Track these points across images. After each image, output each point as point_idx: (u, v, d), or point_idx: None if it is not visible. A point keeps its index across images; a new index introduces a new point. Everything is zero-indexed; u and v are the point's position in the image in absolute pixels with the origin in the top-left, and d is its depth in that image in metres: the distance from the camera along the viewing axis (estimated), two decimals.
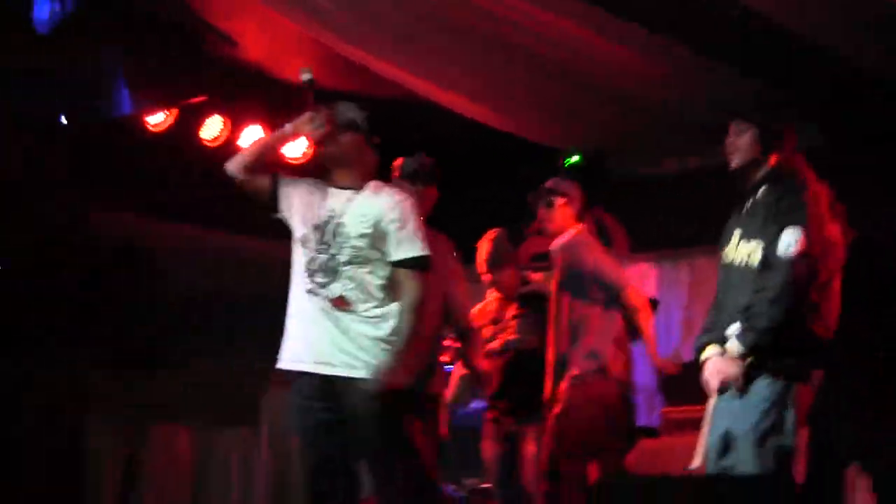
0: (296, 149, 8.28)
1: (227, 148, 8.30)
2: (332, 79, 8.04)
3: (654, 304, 8.79)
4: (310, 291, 4.99)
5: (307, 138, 5.10)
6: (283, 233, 5.28)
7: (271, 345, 10.29)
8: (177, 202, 8.26)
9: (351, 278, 4.93)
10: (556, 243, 6.64)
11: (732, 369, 4.75)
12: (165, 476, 9.89)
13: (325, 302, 4.95)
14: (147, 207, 8.18)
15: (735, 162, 5.00)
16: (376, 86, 7.76)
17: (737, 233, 4.92)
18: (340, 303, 4.92)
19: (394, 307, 4.99)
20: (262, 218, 8.16)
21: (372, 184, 5.12)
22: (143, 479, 9.77)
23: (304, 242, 5.05)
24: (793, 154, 4.98)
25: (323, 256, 4.98)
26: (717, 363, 4.81)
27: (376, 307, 4.96)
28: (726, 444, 4.83)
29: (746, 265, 4.80)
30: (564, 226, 6.66)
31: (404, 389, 4.94)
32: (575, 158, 9.28)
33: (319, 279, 4.97)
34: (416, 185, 5.99)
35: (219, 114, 8.28)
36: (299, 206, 5.10)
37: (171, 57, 7.50)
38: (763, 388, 4.72)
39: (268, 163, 5.22)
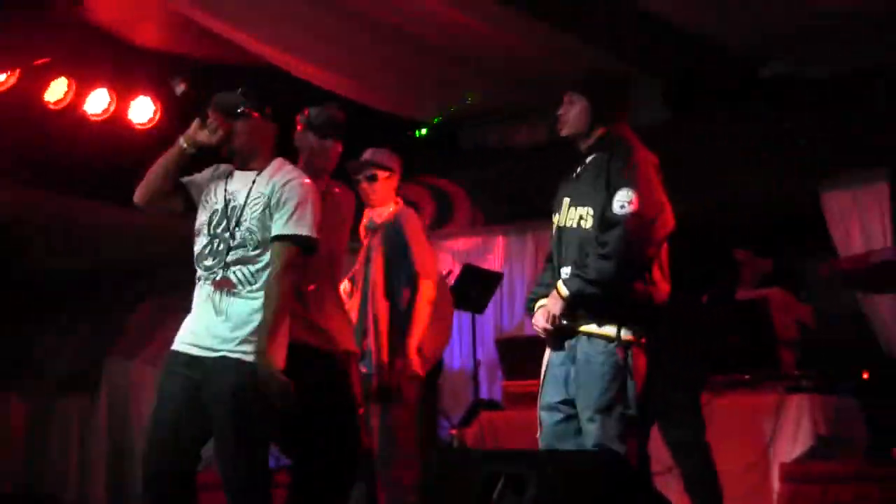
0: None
1: (73, 111, 8.15)
2: (186, 45, 7.97)
3: (498, 277, 8.92)
4: (198, 279, 4.88)
5: (209, 147, 4.92)
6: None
7: (119, 316, 10.22)
8: (21, 165, 8.04)
9: (238, 261, 4.81)
10: (381, 216, 6.55)
11: (555, 308, 4.82)
12: None
13: (210, 286, 4.83)
14: None
15: (565, 131, 5.04)
16: (231, 52, 7.68)
17: (566, 199, 4.97)
18: (224, 283, 4.80)
19: None
20: (111, 184, 8.10)
21: (275, 162, 4.96)
22: None
23: (199, 232, 4.91)
24: (622, 125, 5.03)
25: (215, 241, 4.86)
26: (545, 304, 4.88)
27: (261, 289, 4.83)
28: (566, 414, 4.85)
29: (579, 226, 4.86)
30: (387, 199, 6.58)
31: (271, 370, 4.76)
32: (423, 130, 9.32)
33: (208, 263, 4.85)
34: (323, 138, 5.80)
35: (64, 76, 8.07)
36: (202, 198, 4.97)
37: (14, 17, 7.29)
38: (602, 358, 4.76)
39: (173, 183, 4.95)
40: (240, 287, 4.80)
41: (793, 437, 6.46)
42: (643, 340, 4.81)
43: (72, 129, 8.13)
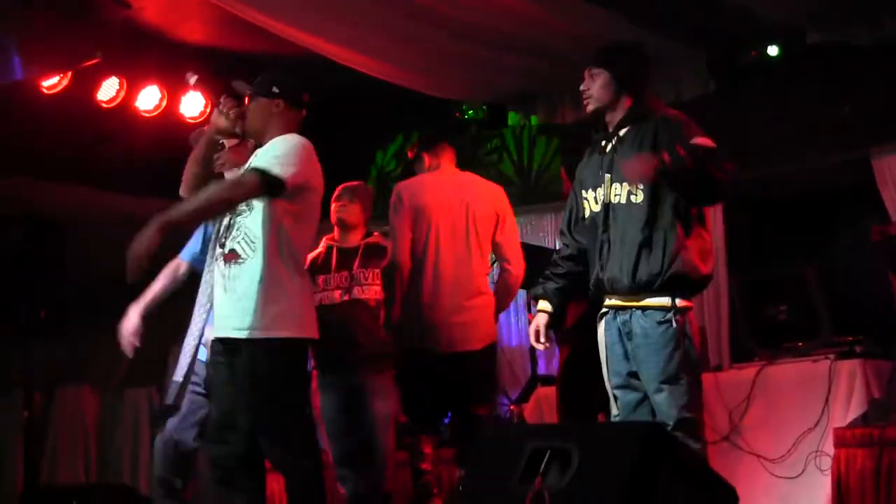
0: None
1: (124, 109, 8.27)
2: (232, 40, 8.05)
3: (550, 252, 8.91)
4: (215, 258, 4.99)
5: (230, 131, 5.07)
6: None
7: (179, 307, 10.33)
8: (76, 165, 8.17)
9: (240, 229, 4.85)
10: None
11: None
12: (73, 437, 9.91)
13: (221, 262, 4.90)
14: (46, 172, 8.07)
15: (591, 106, 4.93)
16: (277, 45, 7.75)
17: (607, 175, 4.86)
18: (231, 256, 4.85)
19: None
20: (165, 179, 8.20)
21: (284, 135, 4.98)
22: (50, 442, 9.81)
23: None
24: (649, 96, 4.97)
25: (226, 219, 4.96)
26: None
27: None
28: (640, 391, 4.83)
29: (629, 202, 4.79)
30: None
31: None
32: (471, 112, 9.36)
33: (222, 240, 4.93)
34: None
35: (115, 75, 8.20)
36: None
37: (62, 21, 7.41)
38: (662, 329, 4.73)
39: (210, 173, 5.14)
40: (244, 255, 4.81)
41: (846, 403, 6.44)
42: (692, 306, 4.80)
43: (125, 127, 8.29)
